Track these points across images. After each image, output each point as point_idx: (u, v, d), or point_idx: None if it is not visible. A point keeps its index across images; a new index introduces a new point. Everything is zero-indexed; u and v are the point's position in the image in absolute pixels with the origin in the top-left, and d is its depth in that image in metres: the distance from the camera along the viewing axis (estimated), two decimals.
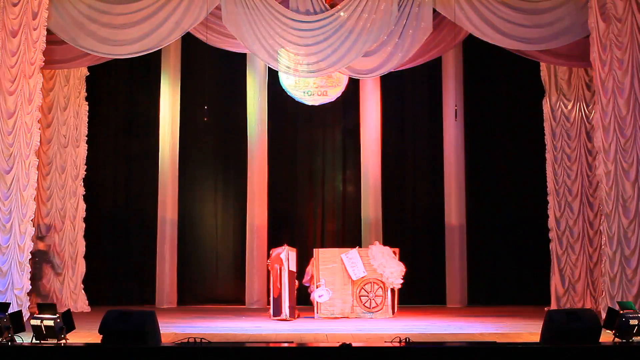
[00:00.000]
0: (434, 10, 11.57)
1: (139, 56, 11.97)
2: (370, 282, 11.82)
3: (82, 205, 13.16)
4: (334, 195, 14.29)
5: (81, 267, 13.10)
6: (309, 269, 12.13)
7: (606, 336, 8.66)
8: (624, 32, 11.12)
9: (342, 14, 11.57)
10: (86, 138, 13.24)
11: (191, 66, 14.02)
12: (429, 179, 14.23)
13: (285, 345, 8.60)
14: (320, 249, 12.22)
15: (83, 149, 13.21)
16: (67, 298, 12.91)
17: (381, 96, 13.86)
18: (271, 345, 8.68)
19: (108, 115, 14.21)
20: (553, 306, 12.42)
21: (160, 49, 12.60)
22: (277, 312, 11.52)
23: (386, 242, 12.54)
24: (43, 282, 12.85)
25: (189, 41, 13.03)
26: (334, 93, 13.41)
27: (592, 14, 11.17)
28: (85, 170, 13.21)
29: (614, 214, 11.08)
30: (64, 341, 8.49)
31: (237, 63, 13.66)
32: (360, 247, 12.39)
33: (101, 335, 8.22)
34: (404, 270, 11.89)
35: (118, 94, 14.28)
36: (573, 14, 11.37)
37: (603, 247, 11.22)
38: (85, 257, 13.12)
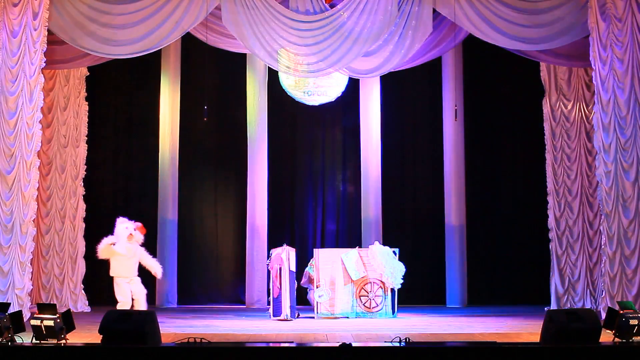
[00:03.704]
0: (434, 10, 11.58)
1: (139, 56, 11.98)
2: (370, 282, 11.80)
3: (82, 205, 13.17)
4: (334, 195, 14.29)
5: (81, 267, 13.11)
6: (307, 270, 12.14)
7: (606, 336, 8.64)
8: (624, 32, 11.12)
9: (342, 14, 11.56)
10: (86, 138, 13.25)
11: (191, 66, 14.02)
12: (429, 178, 14.23)
13: (285, 345, 8.59)
14: (320, 249, 12.21)
15: (83, 149, 13.21)
16: (67, 298, 12.92)
17: (381, 96, 13.86)
18: (271, 345, 8.67)
19: (108, 115, 14.22)
20: (553, 306, 12.43)
21: (160, 49, 12.59)
22: (277, 312, 11.51)
23: (386, 242, 12.52)
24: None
25: (189, 41, 13.03)
26: (334, 93, 13.40)
27: (592, 13, 11.17)
28: (85, 170, 13.21)
29: (614, 213, 11.07)
30: (64, 341, 8.47)
31: (237, 63, 13.66)
32: (360, 247, 12.38)
33: (101, 335, 8.22)
34: (404, 270, 11.88)
35: (118, 94, 14.29)
36: (573, 14, 11.38)
37: (603, 247, 11.22)
38: (85, 257, 13.11)
